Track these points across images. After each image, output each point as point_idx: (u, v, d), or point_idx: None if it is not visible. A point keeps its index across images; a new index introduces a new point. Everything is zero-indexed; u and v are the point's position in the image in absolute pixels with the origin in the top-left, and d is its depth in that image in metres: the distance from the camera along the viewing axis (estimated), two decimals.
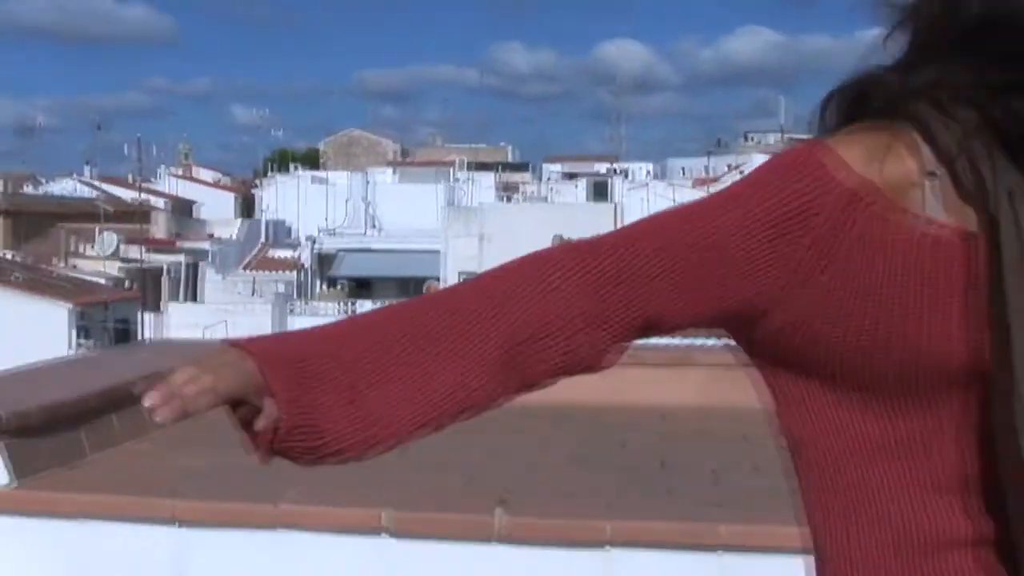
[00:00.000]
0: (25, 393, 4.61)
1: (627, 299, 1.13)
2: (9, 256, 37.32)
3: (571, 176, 60.05)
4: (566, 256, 1.15)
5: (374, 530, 3.83)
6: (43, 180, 61.90)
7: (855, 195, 1.10)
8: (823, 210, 1.10)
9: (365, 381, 1.11)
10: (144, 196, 50.84)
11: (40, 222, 45.56)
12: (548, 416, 5.63)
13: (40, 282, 30.37)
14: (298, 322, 43.56)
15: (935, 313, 1.10)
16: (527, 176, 66.80)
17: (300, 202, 55.63)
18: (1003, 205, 1.07)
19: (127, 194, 50.79)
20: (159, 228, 48.22)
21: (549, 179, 60.84)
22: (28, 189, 56.37)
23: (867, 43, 1.17)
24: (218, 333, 33.92)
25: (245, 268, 47.26)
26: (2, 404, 4.17)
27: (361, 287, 47.32)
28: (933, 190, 1.11)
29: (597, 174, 58.15)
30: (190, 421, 3.92)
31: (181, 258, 44.05)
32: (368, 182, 55.33)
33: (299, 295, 45.93)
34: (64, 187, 56.98)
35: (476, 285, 1.19)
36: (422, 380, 1.11)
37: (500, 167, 66.94)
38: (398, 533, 3.85)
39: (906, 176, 1.12)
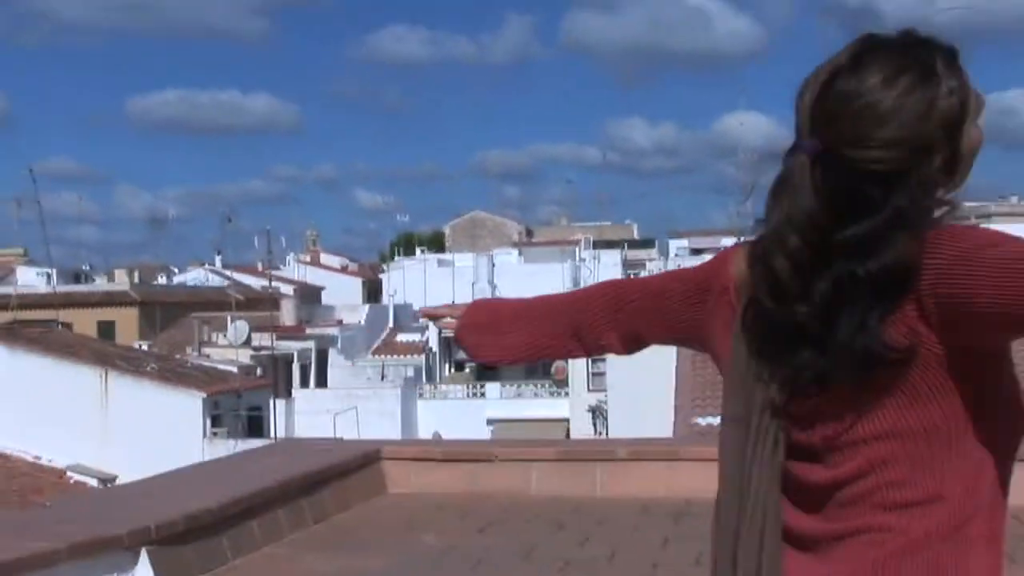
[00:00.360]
0: (167, 502, 4.91)
1: (623, 318, 1.98)
2: (143, 346, 38.64)
3: (697, 252, 59.76)
4: (602, 287, 2.08)
5: None
6: (175, 270, 64.13)
7: (725, 285, 1.76)
8: (713, 288, 1.79)
9: (506, 329, 2.15)
10: (273, 284, 52.12)
11: (172, 312, 47.20)
12: (670, 514, 5.75)
13: (174, 372, 31.35)
14: (426, 407, 44.09)
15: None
16: (652, 252, 66.73)
17: (425, 285, 56.41)
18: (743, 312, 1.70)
19: (256, 282, 52.15)
20: (288, 315, 49.37)
21: (675, 255, 60.72)
22: (160, 280, 58.44)
23: None
24: (347, 419, 34.53)
25: (373, 353, 48.03)
26: (147, 515, 4.47)
27: (488, 369, 47.62)
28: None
29: (723, 249, 57.79)
30: (323, 527, 4.16)
31: (310, 344, 45.04)
32: (492, 264, 55.94)
33: (427, 379, 46.43)
34: (195, 276, 58.90)
35: (566, 295, 2.19)
36: (527, 334, 2.12)
37: (625, 244, 67.06)
38: None
39: (746, 279, 1.71)
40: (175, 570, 4.31)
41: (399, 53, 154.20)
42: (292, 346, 43.85)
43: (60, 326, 34.28)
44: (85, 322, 43.71)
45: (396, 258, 67.93)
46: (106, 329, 45.04)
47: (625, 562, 4.92)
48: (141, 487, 5.74)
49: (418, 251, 68.28)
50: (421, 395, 44.07)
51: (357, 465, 6.14)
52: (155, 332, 45.36)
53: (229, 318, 42.01)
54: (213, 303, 46.91)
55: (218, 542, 4.61)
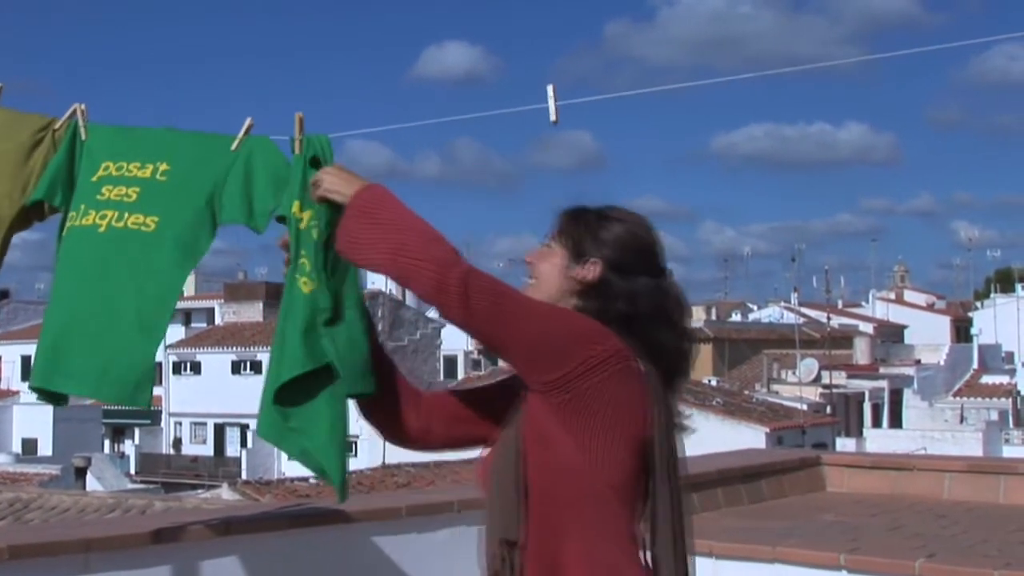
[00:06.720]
0: None
1: None
2: (712, 382, 41.91)
3: None
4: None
5: None
6: (752, 307, 67.50)
7: None
8: None
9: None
10: (848, 321, 53.56)
11: (743, 349, 50.29)
12: None
13: (739, 407, 34.17)
14: (1012, 453, 43.05)
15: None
16: None
17: (1020, 324, 55.15)
18: (652, 390, 2.56)
19: (833, 320, 53.84)
20: (862, 353, 50.65)
21: None
22: (735, 316, 61.94)
23: None
24: None
25: (954, 395, 47.99)
26: None
27: None
28: None
29: None
30: (756, 506, 6.64)
31: (883, 384, 46.12)
32: None
33: (1015, 424, 45.62)
34: (770, 314, 61.80)
35: None
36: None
37: None
38: None
39: None
40: None
41: (1012, 72, 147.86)
42: (863, 385, 45.18)
43: None
44: None
45: (992, 295, 66.57)
46: None
47: (970, 541, 6.61)
48: None
49: (1018, 287, 66.45)
50: (1007, 440, 43.45)
51: (794, 466, 8.22)
52: (726, 368, 48.57)
53: (798, 356, 44.19)
54: (786, 340, 49.35)
55: None
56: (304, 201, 3.03)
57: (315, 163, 3.07)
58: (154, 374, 3.30)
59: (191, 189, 3.28)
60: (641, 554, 2.57)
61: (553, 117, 3.10)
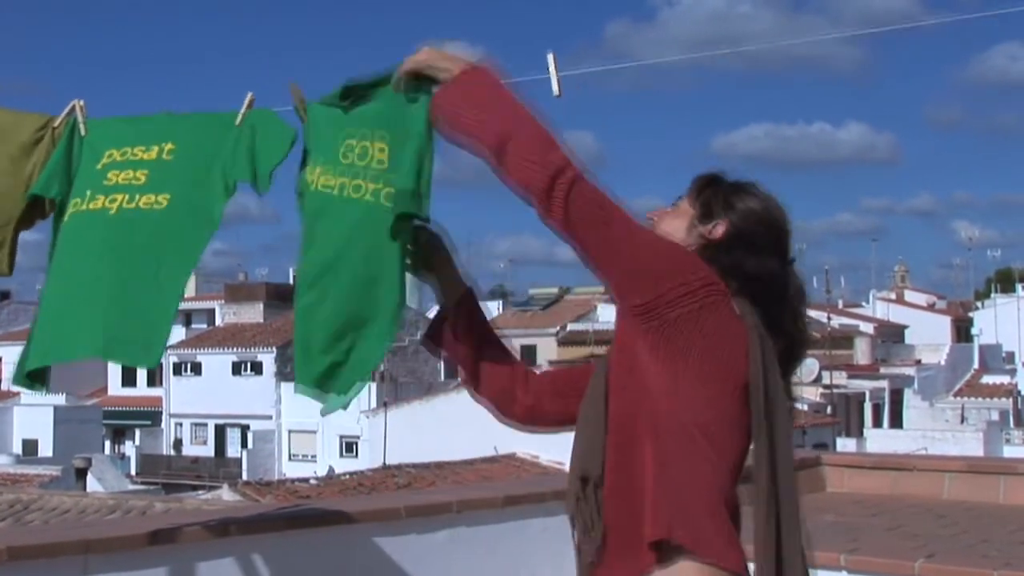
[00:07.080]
0: None
1: None
2: None
3: None
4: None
5: None
6: None
7: None
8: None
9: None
10: (849, 321, 53.46)
11: None
12: None
13: None
14: (1013, 453, 43.07)
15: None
16: None
17: (1020, 324, 55.12)
18: (752, 330, 2.42)
19: (835, 320, 53.80)
20: (863, 354, 50.58)
21: None
22: None
23: None
24: None
25: (955, 395, 47.95)
26: None
27: None
28: None
29: None
30: None
31: (883, 384, 46.08)
32: None
33: (1016, 424, 45.57)
34: None
35: None
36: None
37: None
38: None
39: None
40: None
41: (1012, 72, 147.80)
42: (864, 385, 45.15)
43: None
44: None
45: (992, 295, 66.46)
46: None
47: (970, 541, 6.60)
48: None
49: (1018, 287, 66.40)
50: (1008, 440, 43.38)
51: (795, 467, 8.21)
52: None
53: None
54: None
55: None
56: (319, 163, 3.02)
57: (348, 93, 3.00)
58: (168, 337, 3.24)
59: (199, 164, 3.27)
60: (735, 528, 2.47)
61: (556, 90, 2.83)
